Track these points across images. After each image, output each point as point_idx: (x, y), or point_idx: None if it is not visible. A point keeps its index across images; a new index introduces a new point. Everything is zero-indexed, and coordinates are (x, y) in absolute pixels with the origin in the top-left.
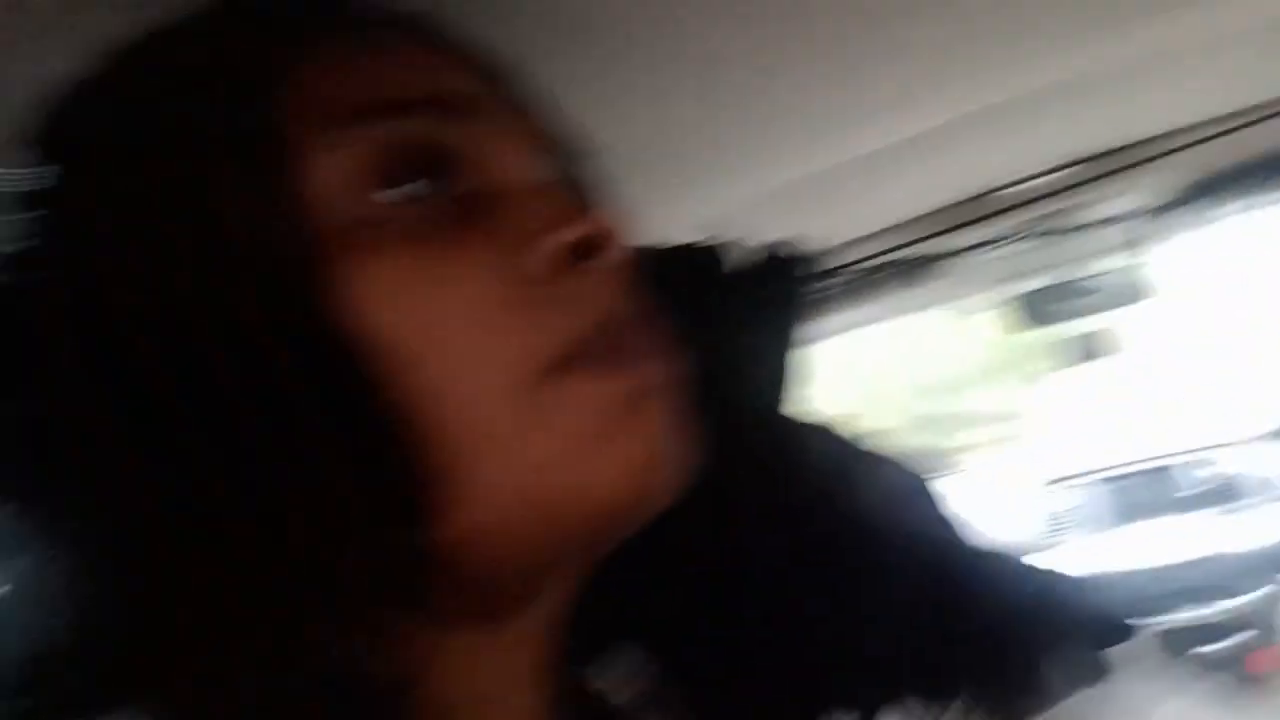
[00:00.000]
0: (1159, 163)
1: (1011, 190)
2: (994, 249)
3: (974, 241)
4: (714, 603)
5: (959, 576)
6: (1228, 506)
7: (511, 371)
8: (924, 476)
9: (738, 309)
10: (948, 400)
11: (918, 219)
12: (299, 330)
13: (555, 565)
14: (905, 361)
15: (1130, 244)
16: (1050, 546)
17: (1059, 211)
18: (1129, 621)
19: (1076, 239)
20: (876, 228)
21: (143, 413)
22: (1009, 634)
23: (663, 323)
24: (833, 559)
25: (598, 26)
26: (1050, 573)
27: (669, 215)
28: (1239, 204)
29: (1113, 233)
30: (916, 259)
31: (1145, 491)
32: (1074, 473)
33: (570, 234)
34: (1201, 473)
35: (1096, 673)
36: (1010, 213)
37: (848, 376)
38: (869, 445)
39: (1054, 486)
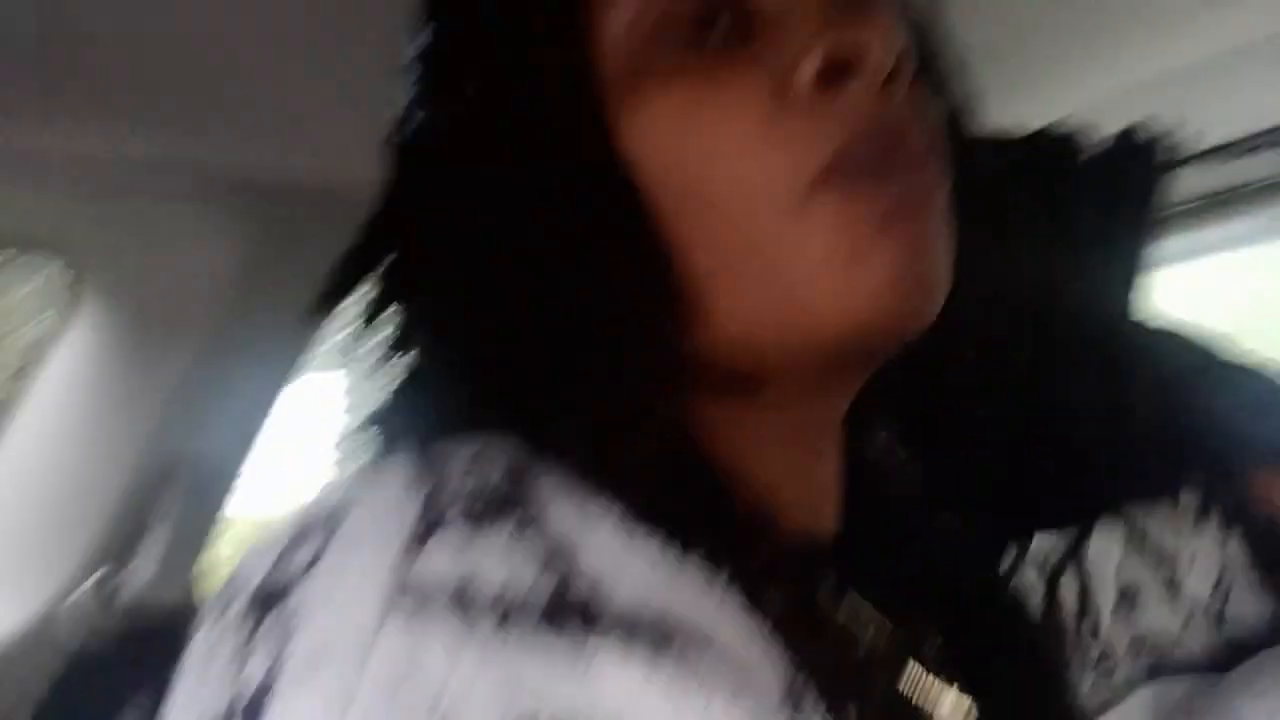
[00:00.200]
0: None
1: None
2: None
3: None
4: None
5: None
6: None
7: (774, 191)
8: None
9: (1093, 197)
10: None
11: None
12: (593, 165)
13: (824, 373)
14: None
15: None
16: None
17: None
18: None
19: None
20: (1248, 132)
21: (496, 233)
22: None
23: (935, 137)
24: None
25: None
26: None
27: (1025, 108)
28: None
29: None
30: None
31: None
32: None
33: (828, 50)
34: None
35: None
36: None
37: (1226, 297)
38: (1233, 358)
39: None
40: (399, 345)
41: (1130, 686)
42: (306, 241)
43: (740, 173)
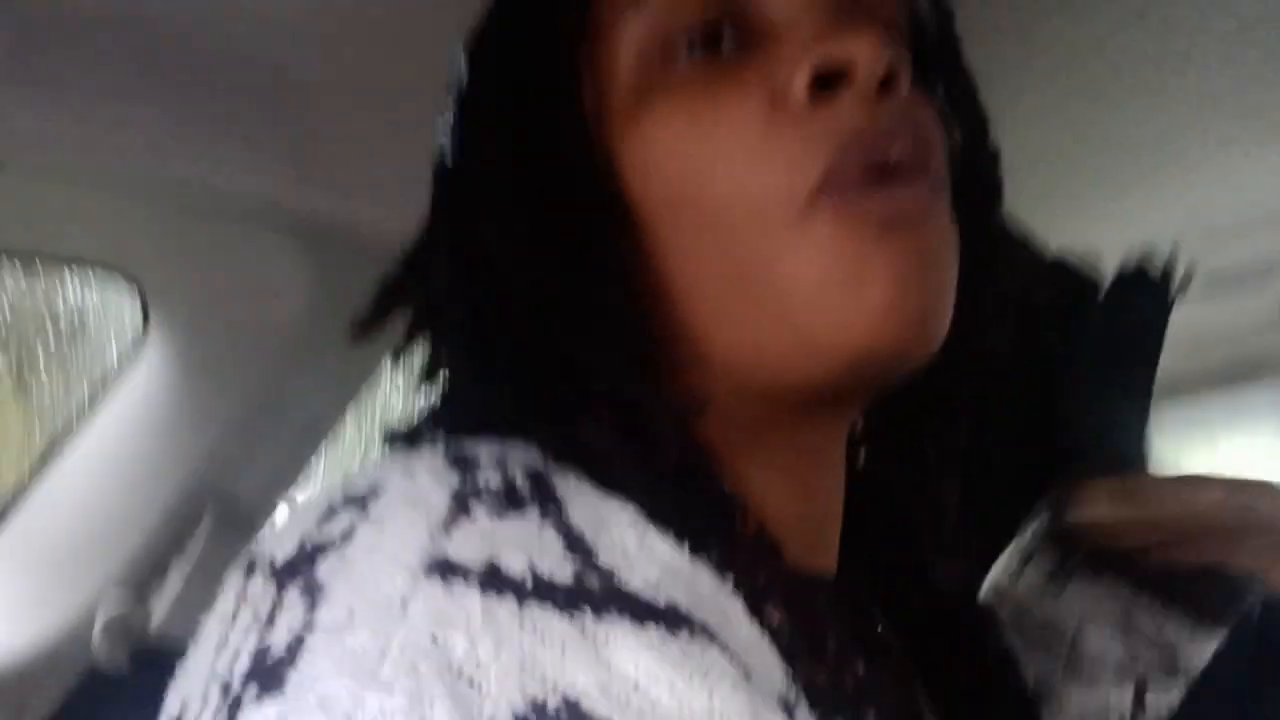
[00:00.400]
0: None
1: None
2: None
3: None
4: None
5: None
6: None
7: (772, 204)
8: None
9: (1107, 333)
10: None
11: None
12: (594, 183)
13: (825, 403)
14: None
15: None
16: None
17: None
18: None
19: None
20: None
21: (509, 268)
22: None
23: (935, 148)
24: None
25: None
26: None
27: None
28: None
29: None
30: None
31: None
32: None
33: (818, 61)
34: None
35: None
36: None
37: None
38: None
39: None
40: (430, 368)
41: None
42: (370, 288)
43: (738, 186)
